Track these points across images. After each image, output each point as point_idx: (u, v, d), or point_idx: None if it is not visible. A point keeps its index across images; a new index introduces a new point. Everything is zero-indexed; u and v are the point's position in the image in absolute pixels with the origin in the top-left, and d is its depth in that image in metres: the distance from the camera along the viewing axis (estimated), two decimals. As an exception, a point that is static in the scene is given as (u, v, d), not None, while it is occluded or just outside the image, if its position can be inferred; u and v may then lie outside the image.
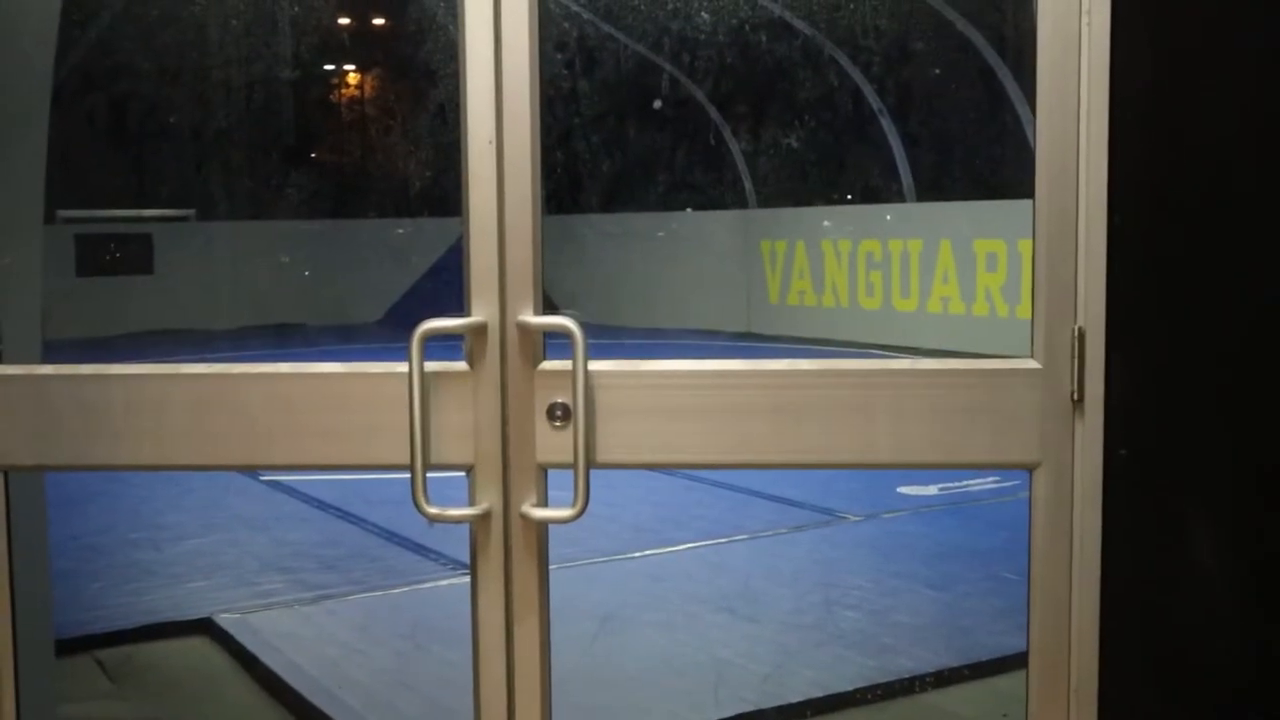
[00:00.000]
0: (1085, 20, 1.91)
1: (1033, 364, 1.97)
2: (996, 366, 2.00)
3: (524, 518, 1.98)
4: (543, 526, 2.00)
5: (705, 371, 2.01)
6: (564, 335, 1.91)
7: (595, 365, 1.95)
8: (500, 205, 1.94)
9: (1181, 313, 1.97)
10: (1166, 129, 1.95)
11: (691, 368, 2.01)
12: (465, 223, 1.95)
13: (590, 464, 1.93)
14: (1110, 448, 1.96)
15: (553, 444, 1.97)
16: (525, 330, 1.96)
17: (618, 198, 16.35)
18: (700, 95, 15.01)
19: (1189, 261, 1.97)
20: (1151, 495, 1.98)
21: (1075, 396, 1.95)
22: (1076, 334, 1.94)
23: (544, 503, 1.99)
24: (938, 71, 14.14)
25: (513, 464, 1.98)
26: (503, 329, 1.96)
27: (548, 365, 1.97)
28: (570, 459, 1.93)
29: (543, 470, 1.99)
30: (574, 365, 1.90)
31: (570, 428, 1.93)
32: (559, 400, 1.96)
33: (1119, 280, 1.94)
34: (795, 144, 14.60)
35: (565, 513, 1.93)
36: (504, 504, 1.98)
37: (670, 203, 16.26)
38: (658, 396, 1.99)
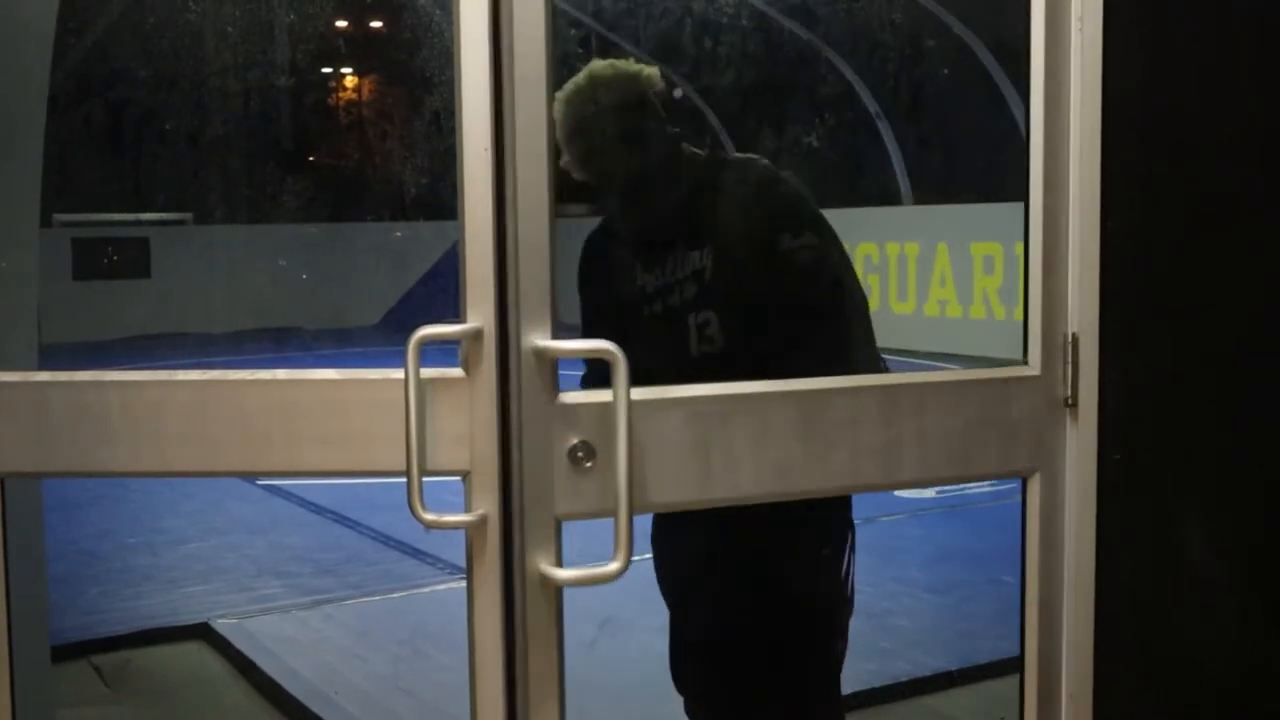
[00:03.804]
0: (1078, 26, 1.91)
1: (1031, 370, 1.98)
2: (1000, 375, 2.00)
3: (545, 579, 1.72)
4: (560, 587, 1.76)
5: (734, 396, 1.87)
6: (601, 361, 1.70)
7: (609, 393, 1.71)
8: (498, 211, 1.94)
9: (1175, 316, 1.97)
10: (1159, 133, 1.95)
11: (718, 392, 1.87)
12: (460, 228, 1.95)
13: (632, 510, 1.70)
14: (1104, 452, 1.96)
15: (575, 489, 1.77)
16: (543, 357, 1.74)
17: (614, 202, 16.31)
18: (696, 99, 15.02)
19: (1182, 265, 1.97)
20: (1146, 500, 1.99)
21: (1069, 401, 1.96)
22: (1070, 339, 1.95)
23: (560, 560, 1.79)
24: (935, 75, 14.15)
25: (529, 516, 1.79)
26: (500, 335, 1.96)
27: (569, 398, 1.78)
28: (596, 506, 1.73)
29: (559, 523, 1.80)
30: (615, 396, 1.70)
31: (596, 469, 1.74)
32: (582, 439, 1.76)
33: (1112, 284, 1.95)
34: (792, 147, 14.61)
35: (607, 569, 1.67)
36: (501, 509, 1.97)
37: (667, 207, 16.22)
38: (686, 425, 1.83)
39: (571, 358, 1.74)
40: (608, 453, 1.75)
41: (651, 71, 2.50)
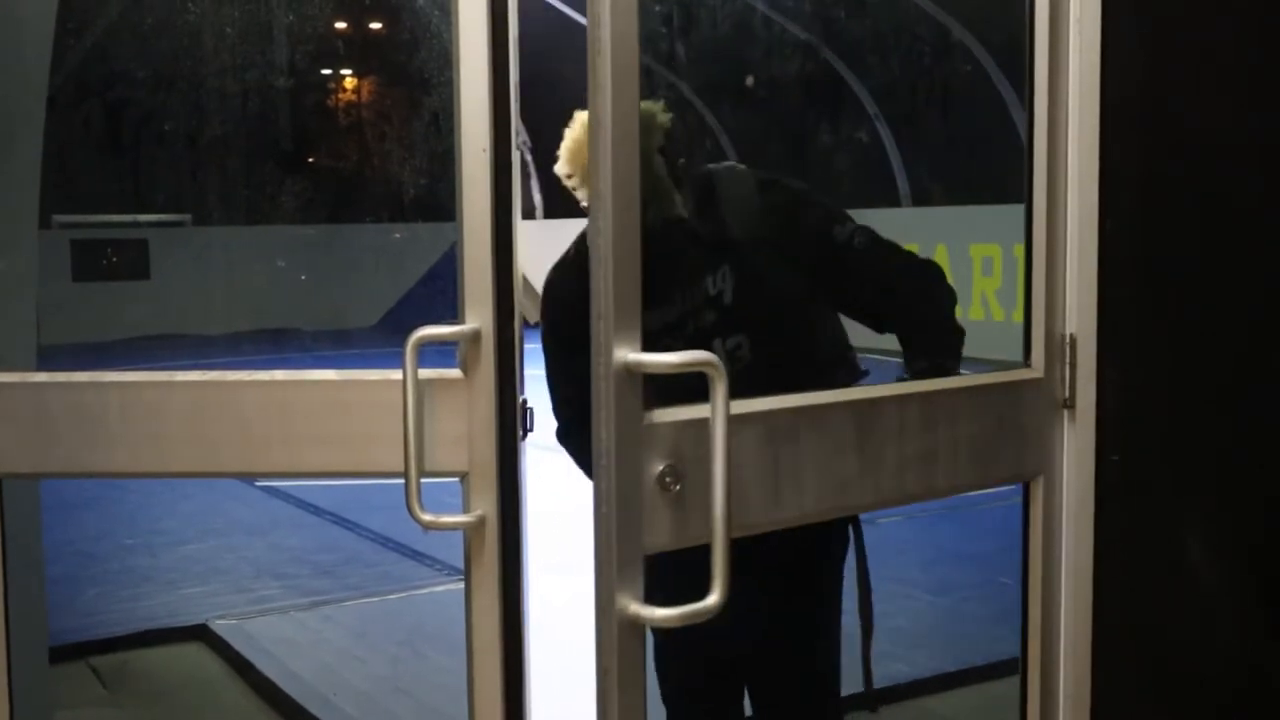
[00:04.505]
0: (1076, 28, 1.91)
1: (1034, 372, 1.98)
2: (1010, 378, 2.00)
3: (636, 619, 1.57)
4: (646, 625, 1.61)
5: (800, 408, 1.80)
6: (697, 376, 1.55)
7: (698, 409, 1.57)
8: (496, 212, 1.94)
9: (1174, 316, 1.97)
10: (1158, 134, 1.95)
11: (785, 405, 1.79)
12: (459, 229, 1.95)
13: (730, 536, 1.55)
14: (1103, 454, 1.96)
15: (662, 518, 1.62)
16: (634, 373, 1.57)
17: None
18: (697, 102, 15.03)
19: (1181, 265, 1.97)
20: (1144, 501, 1.99)
21: (1068, 403, 1.96)
22: (1068, 340, 1.95)
23: (642, 595, 1.61)
24: (933, 77, 14.16)
25: (619, 551, 1.59)
26: (498, 335, 1.96)
27: (659, 416, 1.61)
28: (683, 535, 1.61)
29: (644, 557, 1.62)
30: (713, 412, 1.55)
31: (683, 494, 1.61)
32: (669, 462, 1.60)
33: (1111, 285, 1.95)
34: (790, 149, 14.61)
35: (706, 605, 1.54)
36: (499, 510, 1.98)
37: (667, 209, 16.20)
38: (758, 442, 1.75)
39: (670, 372, 1.56)
40: (696, 476, 1.60)
41: (660, 108, 2.33)
